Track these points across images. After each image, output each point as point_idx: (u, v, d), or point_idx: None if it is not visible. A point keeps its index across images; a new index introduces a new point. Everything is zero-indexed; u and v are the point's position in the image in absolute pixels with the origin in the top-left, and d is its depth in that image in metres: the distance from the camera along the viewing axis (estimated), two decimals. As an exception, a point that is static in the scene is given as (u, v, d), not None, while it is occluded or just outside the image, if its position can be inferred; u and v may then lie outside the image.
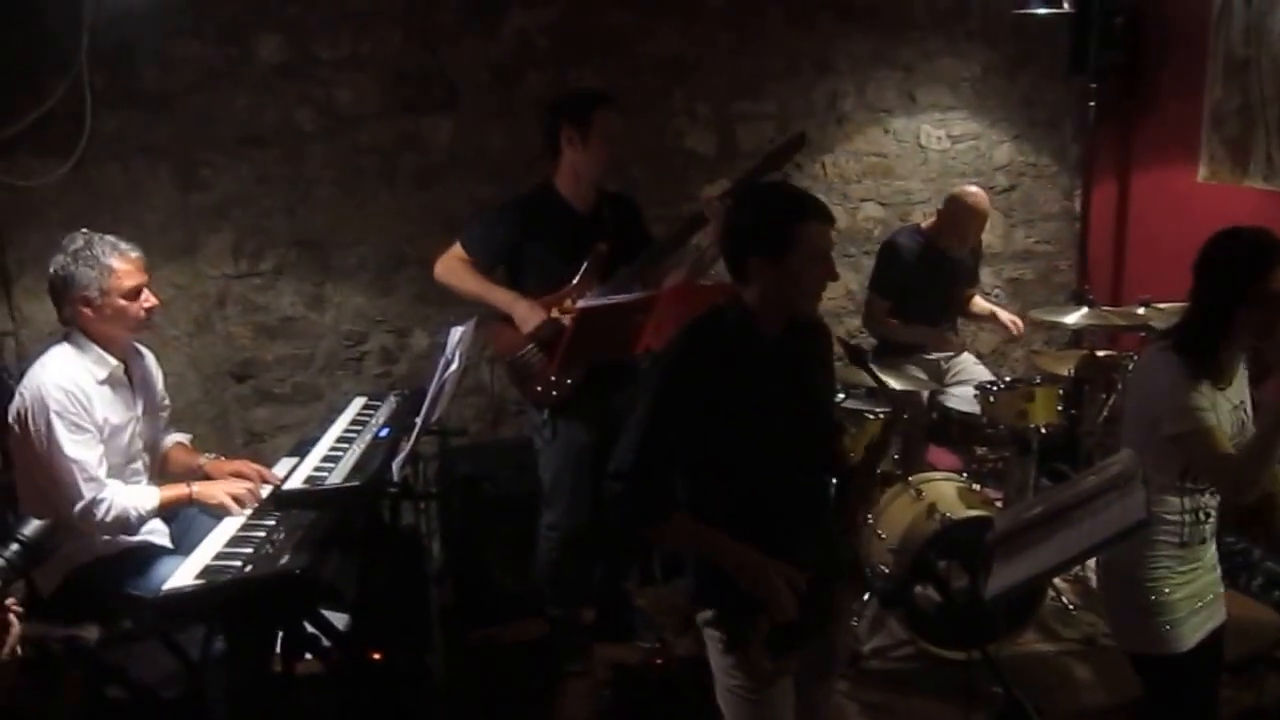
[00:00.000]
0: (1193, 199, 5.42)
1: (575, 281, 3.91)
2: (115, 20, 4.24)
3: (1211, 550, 2.98)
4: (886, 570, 4.15)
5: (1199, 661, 2.91)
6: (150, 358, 3.58)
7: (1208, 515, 2.90)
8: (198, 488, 3.39)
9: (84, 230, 3.24)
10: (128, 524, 3.24)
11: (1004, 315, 5.29)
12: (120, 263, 3.21)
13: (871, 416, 4.35)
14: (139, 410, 3.41)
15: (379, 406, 3.94)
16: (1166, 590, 2.86)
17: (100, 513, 3.15)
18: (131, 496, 3.25)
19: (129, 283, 3.22)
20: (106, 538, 3.28)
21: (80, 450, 3.14)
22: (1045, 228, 6.13)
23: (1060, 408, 4.55)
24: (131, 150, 4.38)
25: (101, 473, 3.18)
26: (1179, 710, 3.01)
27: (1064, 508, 2.79)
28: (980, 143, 5.84)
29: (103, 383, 3.25)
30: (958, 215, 4.88)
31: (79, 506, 3.13)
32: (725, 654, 2.71)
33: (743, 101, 5.32)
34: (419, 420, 3.39)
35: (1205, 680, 2.99)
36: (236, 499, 3.36)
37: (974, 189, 4.94)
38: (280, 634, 3.41)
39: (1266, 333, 2.76)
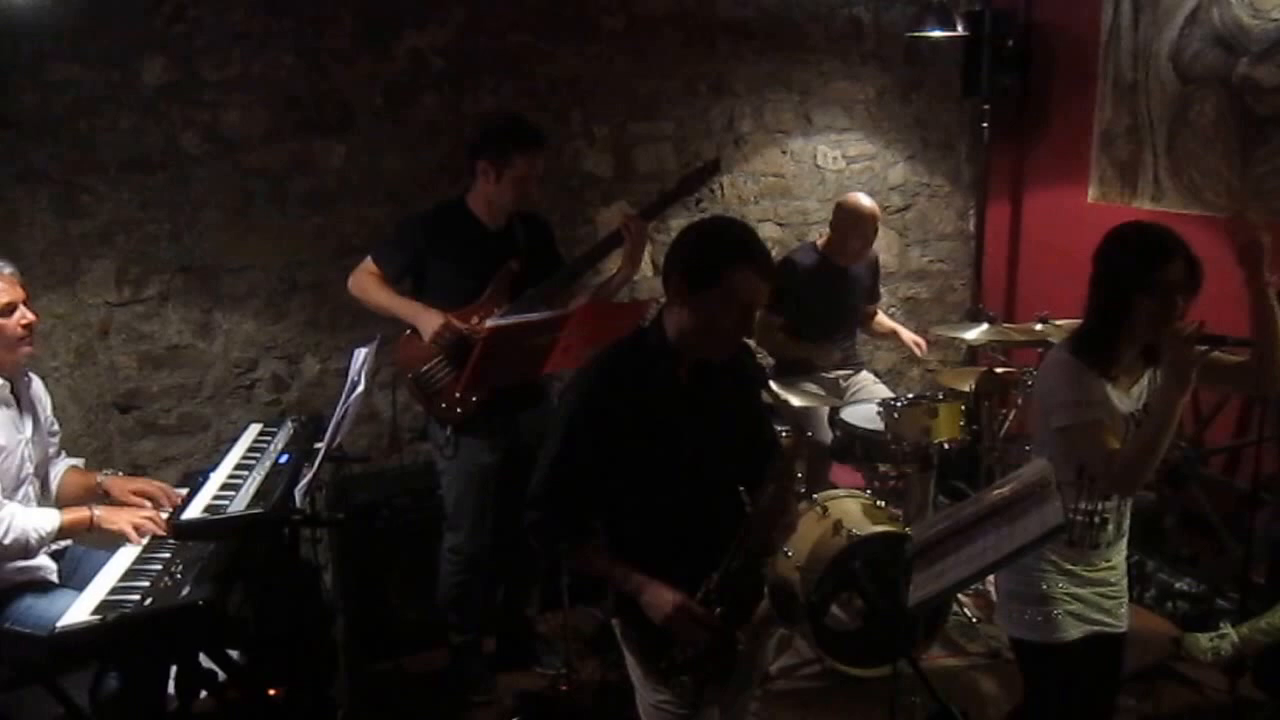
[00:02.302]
0: (1083, 219, 5.65)
1: (483, 299, 3.96)
2: (-12, 43, 4.23)
3: (1108, 560, 3.06)
4: (794, 587, 4.22)
5: (1079, 660, 3.01)
6: (38, 381, 3.58)
7: (1104, 521, 3.00)
8: (100, 512, 3.39)
9: None
10: (27, 547, 3.22)
11: (906, 335, 5.44)
12: None
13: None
14: (28, 432, 3.40)
15: (275, 433, 3.94)
16: (1045, 585, 2.97)
17: None
18: (31, 518, 3.23)
19: (2, 299, 3.24)
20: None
21: None
22: (940, 247, 6.39)
23: (962, 423, 4.68)
24: (7, 177, 4.34)
25: None
26: (1057, 708, 3.11)
27: (981, 516, 2.86)
28: (875, 163, 6.08)
29: None
30: (847, 222, 5.00)
31: None
32: (647, 671, 2.78)
33: (640, 123, 5.44)
34: (322, 445, 3.43)
35: (1088, 683, 3.07)
36: (137, 528, 3.36)
37: (859, 194, 5.07)
38: (174, 671, 3.41)
39: (1162, 323, 2.84)
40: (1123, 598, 3.11)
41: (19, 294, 3.31)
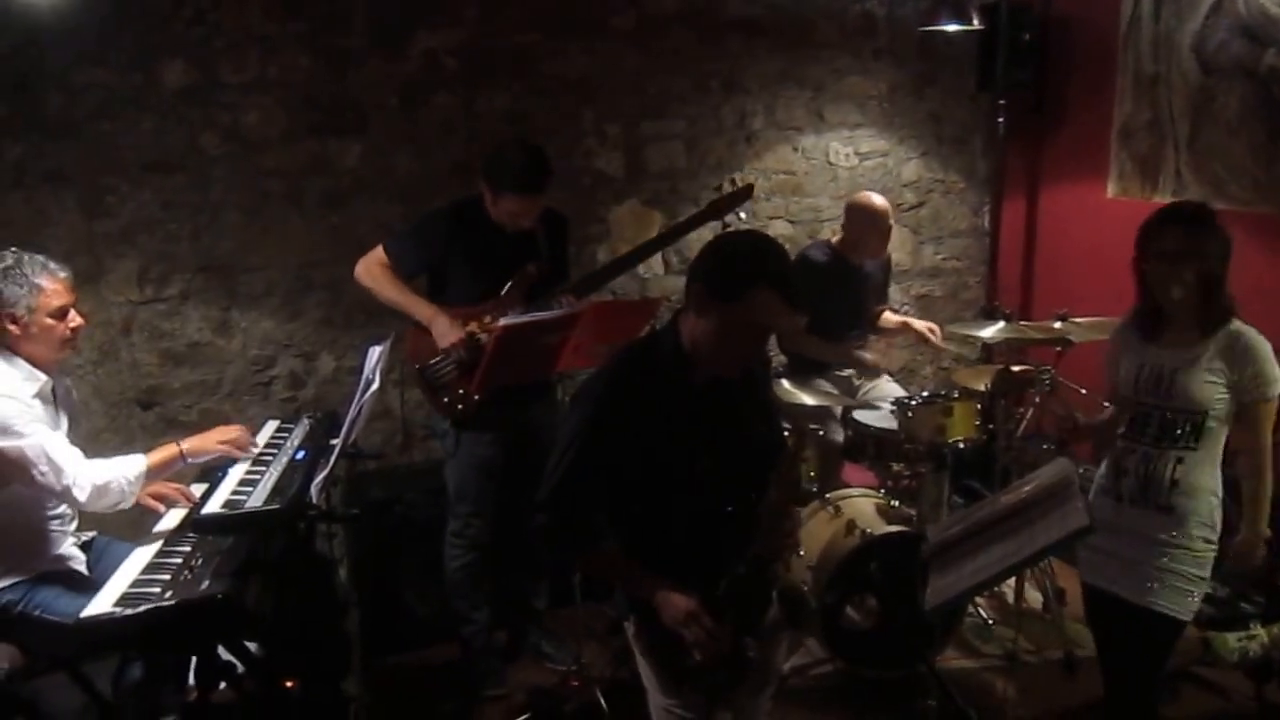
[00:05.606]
0: (1102, 214, 5.69)
1: (498, 298, 4.03)
2: (15, 48, 4.39)
3: None
4: (805, 587, 4.21)
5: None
6: (68, 379, 3.74)
7: None
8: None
9: (13, 249, 3.39)
10: (123, 494, 3.45)
11: (917, 324, 5.46)
12: (49, 282, 3.37)
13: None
14: (63, 429, 3.54)
15: (292, 429, 4.05)
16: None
17: (75, 491, 3.33)
18: (112, 468, 3.43)
19: (57, 302, 3.39)
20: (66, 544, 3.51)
21: (37, 439, 3.28)
22: (954, 244, 6.44)
23: (978, 422, 4.70)
24: (35, 178, 4.51)
25: (59, 458, 3.32)
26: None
27: (1000, 518, 2.91)
28: (888, 160, 6.14)
29: (34, 398, 3.38)
30: (860, 220, 5.06)
31: (59, 486, 3.31)
32: (660, 677, 2.84)
33: (651, 121, 5.53)
34: (338, 441, 3.53)
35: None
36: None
37: (871, 193, 5.13)
38: (194, 662, 3.53)
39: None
40: None
41: (71, 298, 3.46)
